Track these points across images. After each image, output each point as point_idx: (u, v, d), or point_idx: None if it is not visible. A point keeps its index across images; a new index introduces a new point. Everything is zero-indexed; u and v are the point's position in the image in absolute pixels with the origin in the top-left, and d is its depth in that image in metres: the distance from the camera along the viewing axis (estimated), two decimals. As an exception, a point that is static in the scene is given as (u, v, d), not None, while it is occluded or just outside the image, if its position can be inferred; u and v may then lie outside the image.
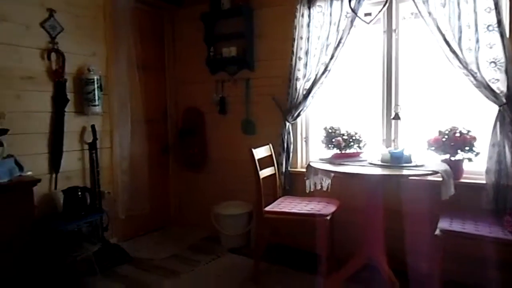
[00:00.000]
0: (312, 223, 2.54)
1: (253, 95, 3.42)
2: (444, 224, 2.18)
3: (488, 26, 2.28)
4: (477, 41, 2.32)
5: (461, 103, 2.62)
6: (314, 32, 2.93)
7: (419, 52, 2.75)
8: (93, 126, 3.10)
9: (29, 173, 2.50)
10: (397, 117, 2.69)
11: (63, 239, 2.72)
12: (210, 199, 3.64)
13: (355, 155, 2.70)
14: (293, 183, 3.17)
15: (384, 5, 2.65)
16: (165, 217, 3.96)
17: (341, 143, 2.70)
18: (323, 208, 2.63)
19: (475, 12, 2.31)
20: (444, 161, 2.47)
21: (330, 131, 2.78)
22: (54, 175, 2.90)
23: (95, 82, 3.02)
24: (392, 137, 2.83)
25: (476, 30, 2.31)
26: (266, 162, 2.92)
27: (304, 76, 2.99)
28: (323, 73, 2.89)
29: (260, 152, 2.85)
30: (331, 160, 2.64)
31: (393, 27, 2.78)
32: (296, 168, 3.24)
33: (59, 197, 2.83)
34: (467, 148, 2.42)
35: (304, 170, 3.02)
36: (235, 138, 3.53)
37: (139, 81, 3.42)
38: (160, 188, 3.88)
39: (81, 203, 2.82)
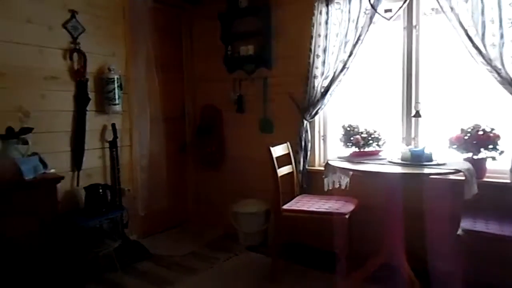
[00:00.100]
0: (330, 221, 2.53)
1: (270, 93, 3.41)
2: (466, 224, 2.14)
3: (513, 21, 2.21)
4: (502, 36, 2.25)
5: (484, 100, 2.56)
6: (332, 30, 2.91)
7: (440, 48, 2.69)
8: (113, 125, 3.15)
9: (53, 170, 2.56)
10: (417, 114, 2.65)
11: (85, 235, 2.78)
12: (228, 197, 3.66)
13: (374, 154, 2.67)
14: (310, 181, 3.16)
15: (405, 1, 2.60)
16: (183, 214, 4.00)
17: (360, 141, 2.67)
18: (342, 206, 2.61)
19: (499, 7, 2.25)
20: (467, 159, 2.42)
21: (348, 129, 2.76)
22: (76, 173, 2.97)
23: (115, 82, 3.08)
24: (412, 135, 2.79)
25: (501, 25, 2.25)
26: (283, 160, 2.92)
27: (322, 74, 2.97)
28: (341, 70, 2.86)
29: (278, 151, 2.85)
30: (349, 159, 2.62)
31: (414, 23, 2.73)
32: (314, 166, 3.22)
33: (81, 194, 2.90)
34: (490, 146, 2.37)
35: (321, 168, 3.01)
36: (253, 136, 3.53)
37: (158, 80, 3.47)
38: (178, 186, 3.92)
39: (102, 200, 2.88)
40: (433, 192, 2.54)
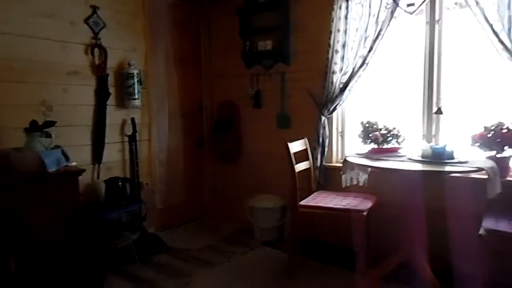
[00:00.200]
0: (348, 218, 2.51)
1: (288, 89, 3.40)
2: (489, 223, 2.09)
3: (542, 15, 2.14)
4: (529, 31, 2.19)
5: (508, 97, 2.49)
6: (352, 24, 2.87)
7: (463, 43, 2.62)
8: (132, 119, 3.20)
9: (74, 163, 2.62)
10: (439, 111, 2.60)
11: (105, 227, 2.84)
12: (244, 192, 3.67)
13: (394, 150, 2.64)
14: (327, 177, 3.14)
15: (428, -5, 2.55)
16: (199, 208, 4.04)
17: (379, 138, 2.64)
18: (360, 203, 2.59)
19: (527, 1, 2.18)
20: (490, 158, 2.36)
21: (367, 125, 2.72)
22: (96, 166, 3.03)
23: (135, 77, 3.12)
24: (433, 132, 2.74)
25: (528, 19, 2.18)
26: (301, 156, 2.91)
27: (341, 69, 2.94)
28: (360, 66, 2.83)
29: (296, 146, 2.84)
30: (368, 155, 2.59)
31: (437, 17, 2.67)
32: (331, 162, 3.20)
33: (101, 187, 2.96)
34: (515, 144, 2.31)
35: (339, 165, 3.00)
36: (270, 132, 3.53)
37: (176, 75, 3.50)
38: (195, 180, 3.95)
39: (121, 193, 2.94)
40: (454, 191, 2.49)
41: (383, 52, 2.84)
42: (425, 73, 2.75)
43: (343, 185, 2.64)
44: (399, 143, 2.66)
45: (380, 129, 2.68)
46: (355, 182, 2.66)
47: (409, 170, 2.21)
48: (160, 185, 3.48)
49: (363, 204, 2.58)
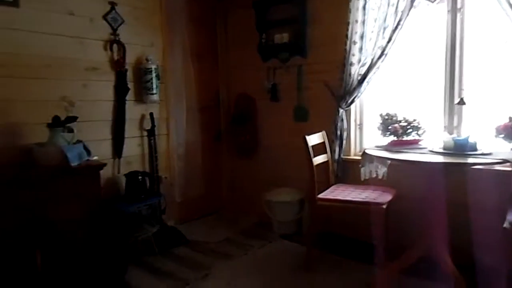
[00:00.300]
0: (367, 211, 2.49)
1: (305, 81, 3.37)
2: (513, 216, 2.03)
3: None
4: (558, 18, 2.10)
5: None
6: (370, 15, 2.82)
7: (487, 32, 2.54)
8: (151, 114, 3.24)
9: (95, 157, 2.67)
10: (462, 102, 2.53)
11: (125, 220, 2.90)
12: (262, 185, 3.68)
13: (414, 142, 2.58)
14: (346, 170, 3.11)
15: (449, -17, 2.47)
16: (218, 202, 4.07)
17: (399, 130, 2.59)
18: (379, 196, 2.56)
19: (556, -15, 2.09)
20: (515, 149, 2.29)
21: (386, 117, 2.67)
22: (117, 160, 3.09)
23: (153, 72, 3.15)
24: (455, 124, 2.67)
25: (557, 5, 2.10)
26: (319, 149, 2.89)
27: (359, 61, 2.89)
28: (379, 57, 2.78)
29: (313, 139, 2.82)
30: (387, 148, 2.55)
31: (458, 6, 2.59)
32: (349, 155, 3.17)
33: (121, 181, 3.02)
34: (541, 135, 2.23)
35: (357, 157, 2.96)
36: (287, 125, 3.52)
37: (193, 69, 3.52)
38: (213, 174, 3.98)
39: (141, 187, 2.99)
40: (477, 183, 2.44)
41: (403, 43, 2.79)
42: (446, 63, 2.68)
43: (362, 178, 2.61)
44: (419, 135, 2.61)
45: (400, 121, 2.62)
46: (374, 175, 2.62)
47: (430, 162, 2.17)
48: (179, 178, 3.52)
49: (382, 197, 2.55)
